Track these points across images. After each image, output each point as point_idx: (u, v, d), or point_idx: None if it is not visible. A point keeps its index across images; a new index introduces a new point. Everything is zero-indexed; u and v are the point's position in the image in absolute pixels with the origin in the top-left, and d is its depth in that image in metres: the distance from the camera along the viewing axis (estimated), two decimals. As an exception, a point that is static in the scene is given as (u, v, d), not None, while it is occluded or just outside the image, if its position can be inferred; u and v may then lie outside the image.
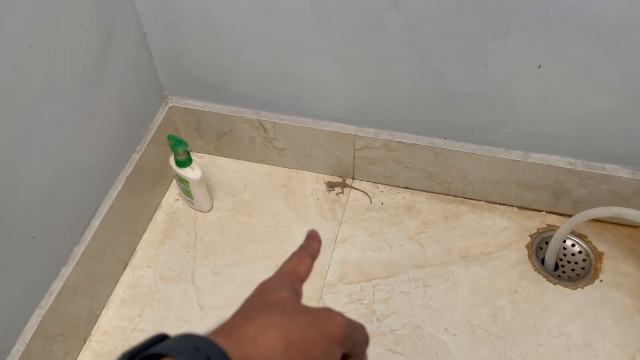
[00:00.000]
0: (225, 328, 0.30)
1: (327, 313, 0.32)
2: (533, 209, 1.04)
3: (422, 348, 0.87)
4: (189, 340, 0.27)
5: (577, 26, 0.75)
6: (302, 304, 0.33)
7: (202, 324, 0.92)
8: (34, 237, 0.76)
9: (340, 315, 0.32)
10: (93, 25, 0.81)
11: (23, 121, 0.71)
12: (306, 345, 0.29)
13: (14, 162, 0.71)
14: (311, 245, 0.40)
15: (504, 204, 1.05)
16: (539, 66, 0.81)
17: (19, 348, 0.76)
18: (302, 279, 0.37)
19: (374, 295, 0.94)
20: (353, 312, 0.92)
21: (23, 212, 0.74)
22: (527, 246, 0.99)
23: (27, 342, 0.77)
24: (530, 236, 1.00)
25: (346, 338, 0.31)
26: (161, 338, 0.29)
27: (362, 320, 0.89)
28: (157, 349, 0.27)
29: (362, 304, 0.93)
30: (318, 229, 1.02)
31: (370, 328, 0.89)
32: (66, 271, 0.84)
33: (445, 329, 0.89)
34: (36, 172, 0.75)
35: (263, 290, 0.34)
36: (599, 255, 0.97)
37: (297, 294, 0.35)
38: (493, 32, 0.79)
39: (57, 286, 0.82)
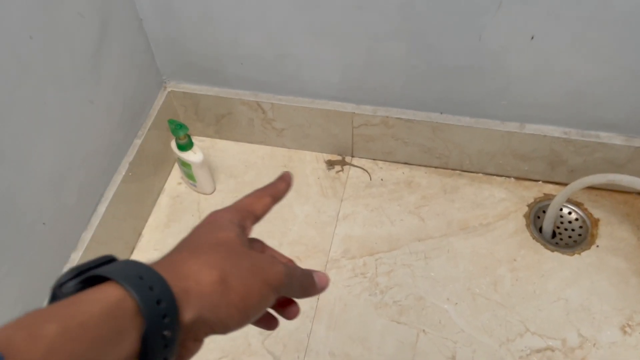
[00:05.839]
0: (170, 261, 0.31)
1: (269, 261, 0.33)
2: (530, 179, 1.06)
3: (425, 318, 0.90)
4: (134, 268, 0.28)
5: (568, -4, 0.76)
6: (246, 248, 0.34)
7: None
8: (44, 224, 0.78)
9: (281, 265, 0.34)
10: (90, 13, 0.82)
11: (28, 111, 0.73)
12: (244, 289, 0.31)
13: (21, 151, 0.73)
14: (276, 185, 0.40)
15: (501, 175, 1.07)
16: (532, 37, 0.82)
17: (34, 332, 0.79)
18: (257, 216, 0.38)
19: (376, 268, 0.96)
20: (357, 286, 0.94)
21: (32, 200, 0.76)
22: (525, 216, 1.01)
23: (42, 325, 0.79)
24: (528, 206, 1.02)
25: (282, 286, 0.33)
26: (108, 260, 0.29)
27: (365, 294, 0.92)
28: (102, 270, 0.27)
29: (366, 277, 0.95)
30: (319, 207, 1.05)
31: (374, 300, 0.92)
32: (76, 256, 0.86)
33: (448, 299, 0.92)
34: (43, 160, 0.77)
35: (213, 224, 0.35)
36: (595, 222, 0.99)
37: (245, 231, 0.36)
38: (485, 5, 0.80)
39: (68, 271, 0.84)
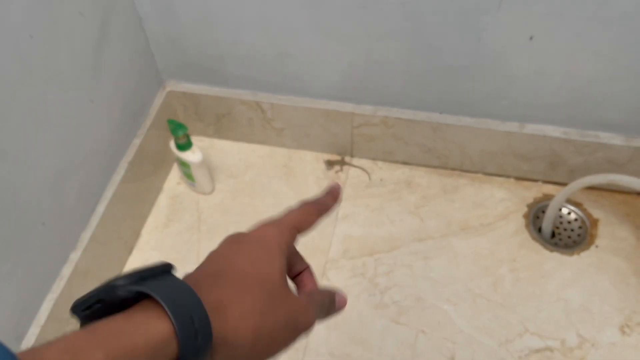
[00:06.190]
0: (217, 300, 0.31)
1: (303, 307, 0.34)
2: (530, 179, 1.06)
3: (425, 318, 0.90)
4: (189, 304, 0.28)
5: (568, -4, 0.76)
6: (286, 289, 0.34)
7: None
8: (43, 224, 0.78)
9: (312, 310, 0.34)
10: (90, 12, 0.82)
11: (28, 111, 0.72)
12: (273, 343, 0.32)
13: (21, 151, 0.72)
14: (325, 202, 0.40)
15: (501, 175, 1.07)
16: (531, 37, 0.82)
17: (34, 331, 0.78)
18: (302, 232, 0.38)
19: (376, 269, 0.96)
20: (356, 286, 0.94)
21: (32, 199, 0.75)
22: (524, 216, 1.01)
23: (42, 324, 0.79)
24: (528, 206, 1.02)
25: (309, 330, 0.34)
26: (165, 269, 0.30)
27: (365, 294, 0.92)
28: (159, 294, 0.27)
29: (365, 277, 0.95)
30: (319, 206, 1.05)
31: (373, 301, 0.92)
32: (75, 256, 0.85)
33: (448, 299, 0.92)
34: (43, 160, 0.77)
35: (261, 247, 0.35)
36: (595, 222, 0.99)
37: (289, 254, 0.37)
38: (485, 5, 0.80)
39: (67, 271, 0.84)
